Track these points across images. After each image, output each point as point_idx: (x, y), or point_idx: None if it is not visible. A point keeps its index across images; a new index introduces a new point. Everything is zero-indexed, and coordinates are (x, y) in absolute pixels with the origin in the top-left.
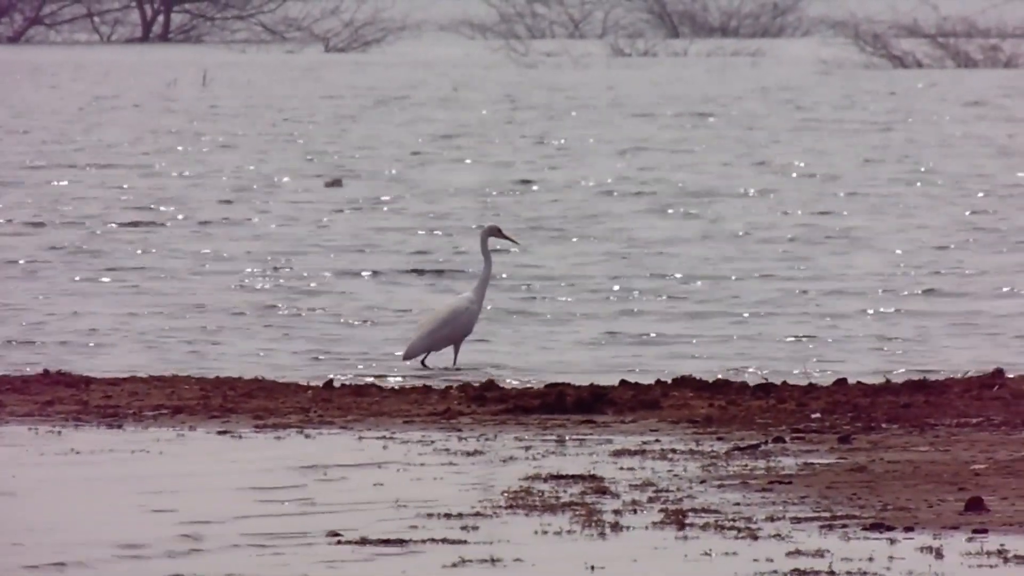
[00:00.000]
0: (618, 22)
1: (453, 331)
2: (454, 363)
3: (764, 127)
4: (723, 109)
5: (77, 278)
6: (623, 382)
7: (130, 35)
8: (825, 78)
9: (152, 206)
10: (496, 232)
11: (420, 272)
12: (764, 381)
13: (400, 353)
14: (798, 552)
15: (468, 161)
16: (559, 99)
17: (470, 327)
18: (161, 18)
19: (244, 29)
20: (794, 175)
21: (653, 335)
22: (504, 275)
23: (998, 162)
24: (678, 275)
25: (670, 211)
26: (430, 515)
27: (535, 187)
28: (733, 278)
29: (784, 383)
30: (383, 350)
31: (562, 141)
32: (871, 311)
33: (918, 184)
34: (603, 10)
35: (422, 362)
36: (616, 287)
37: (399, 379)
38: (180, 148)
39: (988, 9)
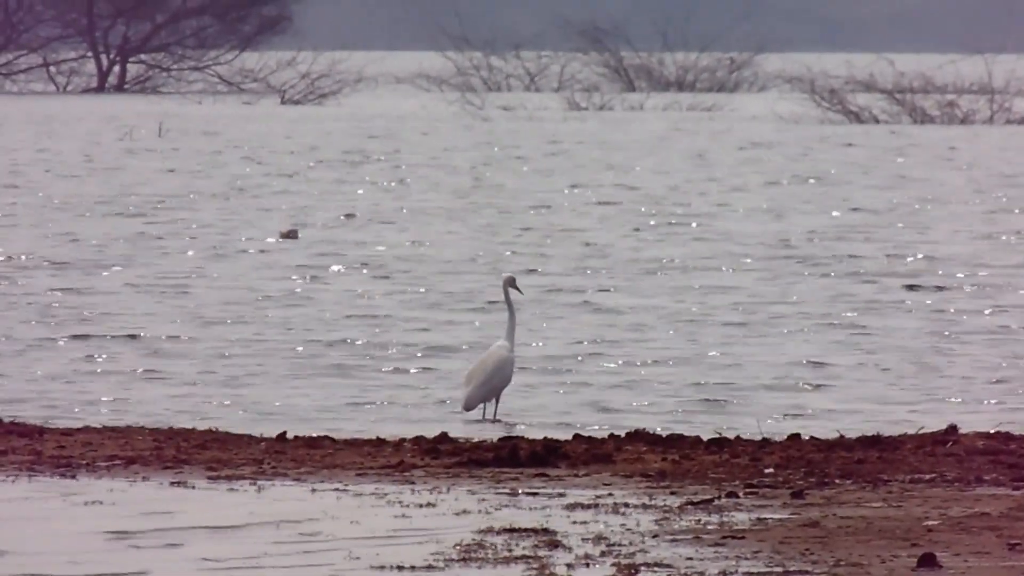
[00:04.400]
0: (574, 76)
1: (502, 380)
2: (494, 415)
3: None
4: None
5: (33, 327)
6: (577, 435)
7: (86, 85)
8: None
9: (102, 255)
10: (512, 282)
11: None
12: (718, 435)
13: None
14: None
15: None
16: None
17: (512, 375)
18: (117, 68)
19: (200, 80)
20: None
21: (604, 389)
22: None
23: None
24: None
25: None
26: (383, 568)
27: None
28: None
29: (738, 438)
30: (338, 401)
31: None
32: (825, 365)
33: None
34: (559, 64)
35: (484, 413)
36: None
37: (353, 431)
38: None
39: (945, 65)
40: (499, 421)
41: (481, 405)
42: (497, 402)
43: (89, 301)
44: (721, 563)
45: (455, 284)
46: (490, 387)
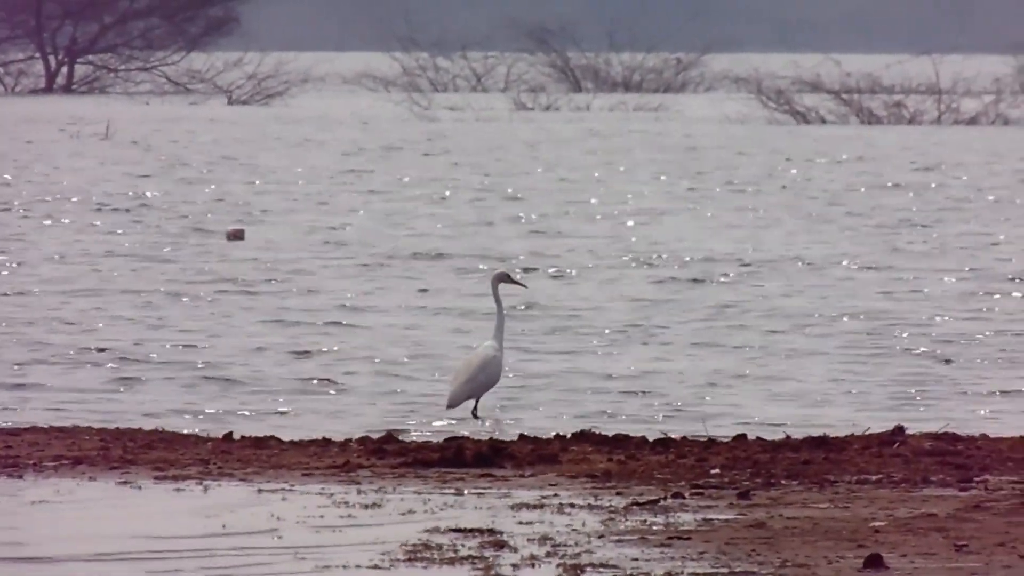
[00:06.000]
0: (521, 76)
1: (488, 377)
2: (474, 413)
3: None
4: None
5: None
6: (522, 436)
7: (34, 86)
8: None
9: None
10: (505, 278)
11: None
12: (664, 436)
13: (444, 403)
14: None
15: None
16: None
17: (499, 374)
18: (65, 69)
19: (148, 81)
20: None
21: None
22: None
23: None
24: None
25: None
26: (328, 567)
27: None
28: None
29: (684, 438)
30: (284, 402)
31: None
32: (773, 366)
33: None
34: (506, 64)
35: (473, 412)
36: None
37: (299, 432)
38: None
39: (892, 65)
40: (480, 418)
41: (465, 402)
42: (477, 400)
43: (38, 301)
44: (667, 564)
45: (410, 279)
46: (475, 385)
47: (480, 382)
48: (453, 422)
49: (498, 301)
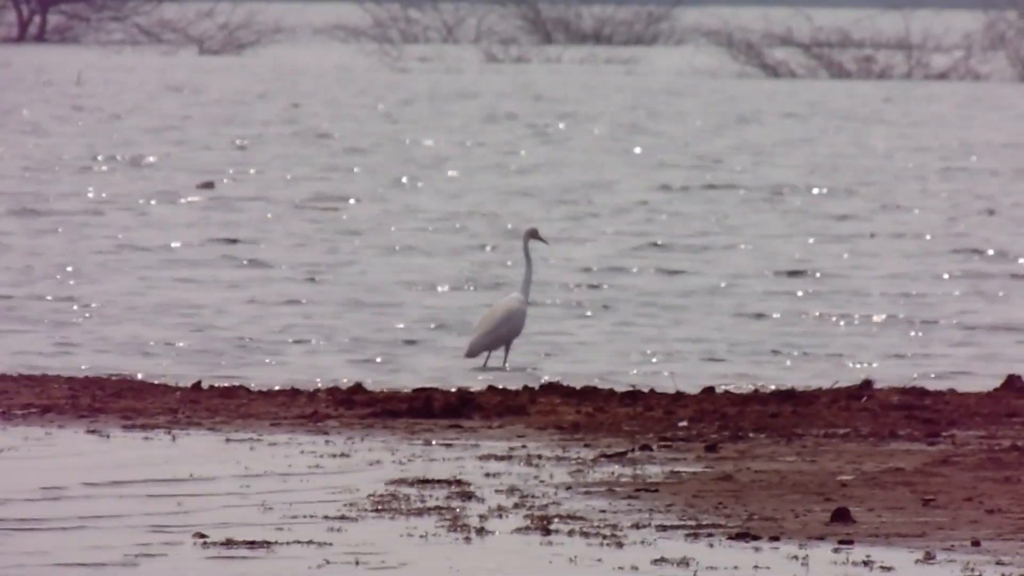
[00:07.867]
0: (492, 28)
1: (510, 330)
2: (505, 363)
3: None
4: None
5: None
6: (491, 387)
7: (6, 35)
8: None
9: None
10: (535, 234)
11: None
12: (632, 388)
13: (464, 351)
14: (663, 560)
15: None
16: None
17: (522, 326)
18: (37, 18)
19: (120, 31)
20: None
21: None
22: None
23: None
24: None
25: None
26: (295, 517)
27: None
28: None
29: (652, 391)
30: (255, 351)
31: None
32: (742, 318)
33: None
34: (477, 16)
35: (484, 363)
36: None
37: (267, 381)
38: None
39: (862, 19)
40: (504, 369)
41: (485, 353)
42: (507, 351)
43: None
44: (634, 516)
45: (383, 233)
46: (495, 336)
47: (500, 335)
48: (422, 373)
49: (527, 255)
